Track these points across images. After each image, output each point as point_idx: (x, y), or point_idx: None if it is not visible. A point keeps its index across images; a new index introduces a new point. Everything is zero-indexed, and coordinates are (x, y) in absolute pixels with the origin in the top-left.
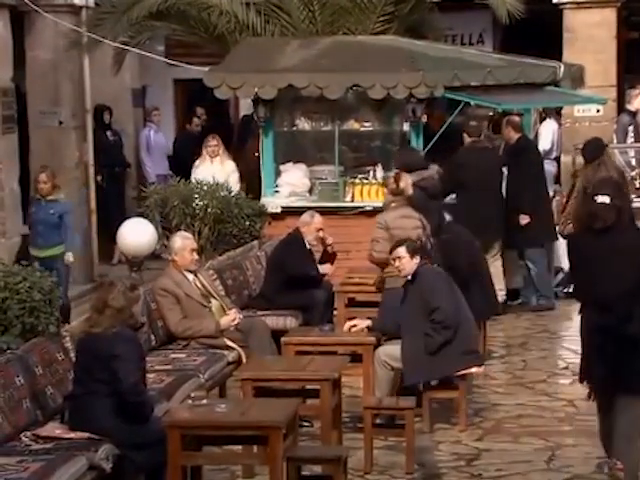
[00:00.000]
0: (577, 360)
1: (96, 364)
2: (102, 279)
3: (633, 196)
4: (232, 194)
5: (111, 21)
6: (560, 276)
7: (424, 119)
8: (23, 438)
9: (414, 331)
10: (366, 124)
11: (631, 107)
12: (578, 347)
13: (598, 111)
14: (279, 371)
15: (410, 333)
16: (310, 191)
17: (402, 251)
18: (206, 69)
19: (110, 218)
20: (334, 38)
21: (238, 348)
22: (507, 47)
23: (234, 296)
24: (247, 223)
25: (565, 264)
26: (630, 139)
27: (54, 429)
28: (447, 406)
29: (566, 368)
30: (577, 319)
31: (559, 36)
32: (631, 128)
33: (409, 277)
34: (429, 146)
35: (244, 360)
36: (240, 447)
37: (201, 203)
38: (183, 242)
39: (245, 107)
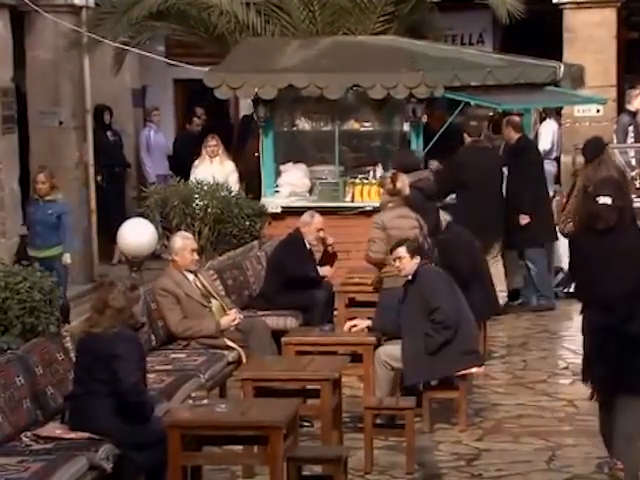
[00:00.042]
0: (577, 360)
1: (96, 364)
2: (102, 279)
3: (633, 196)
4: (232, 194)
5: (111, 21)
6: (560, 276)
7: (424, 119)
8: (23, 438)
9: (414, 331)
10: (366, 124)
11: (631, 107)
12: (578, 347)
13: (598, 111)
14: (279, 371)
15: (410, 333)
16: (310, 191)
17: (402, 251)
18: (206, 69)
19: (110, 218)
20: (334, 38)
21: (238, 348)
22: (507, 47)
23: (234, 296)
24: (247, 223)
25: (565, 264)
26: (630, 139)
27: (54, 429)
28: (447, 406)
29: (566, 368)
30: (577, 319)
31: (559, 36)
32: (631, 128)
33: (409, 277)
34: (429, 146)
35: (244, 360)
36: (240, 447)
37: (201, 203)
38: (183, 242)
39: (245, 107)
